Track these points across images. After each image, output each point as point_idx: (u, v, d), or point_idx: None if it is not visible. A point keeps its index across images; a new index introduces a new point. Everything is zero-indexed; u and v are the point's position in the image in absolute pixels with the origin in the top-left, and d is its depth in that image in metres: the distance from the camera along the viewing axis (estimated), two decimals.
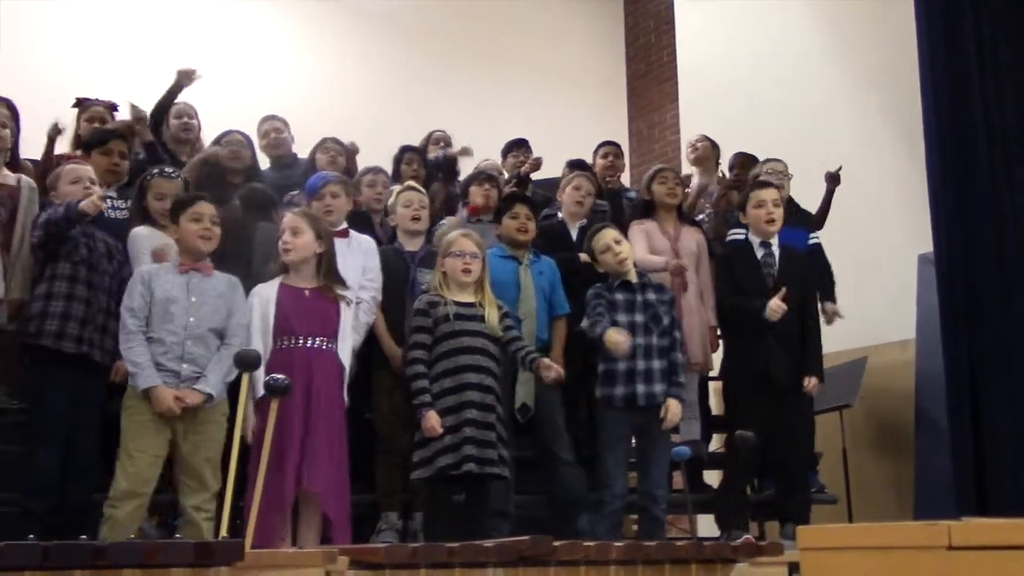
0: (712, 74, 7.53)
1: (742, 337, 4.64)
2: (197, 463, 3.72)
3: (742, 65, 7.35)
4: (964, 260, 4.78)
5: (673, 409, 4.24)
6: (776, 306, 4.39)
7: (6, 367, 4.27)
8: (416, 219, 4.53)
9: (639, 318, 4.29)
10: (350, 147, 5.62)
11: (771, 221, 4.66)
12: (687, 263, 4.86)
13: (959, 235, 4.79)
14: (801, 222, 5.31)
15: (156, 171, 4.34)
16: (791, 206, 5.33)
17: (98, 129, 4.84)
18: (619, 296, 4.33)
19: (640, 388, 4.21)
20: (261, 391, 3.47)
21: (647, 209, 5.10)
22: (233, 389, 3.75)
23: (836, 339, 5.32)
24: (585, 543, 2.45)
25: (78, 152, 4.87)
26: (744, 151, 5.84)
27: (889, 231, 6.21)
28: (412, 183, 4.75)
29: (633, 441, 4.41)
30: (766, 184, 4.86)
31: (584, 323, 4.32)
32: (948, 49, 4.90)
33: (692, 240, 5.02)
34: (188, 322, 3.76)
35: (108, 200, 4.46)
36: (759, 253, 4.67)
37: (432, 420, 3.85)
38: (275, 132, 5.59)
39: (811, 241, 5.28)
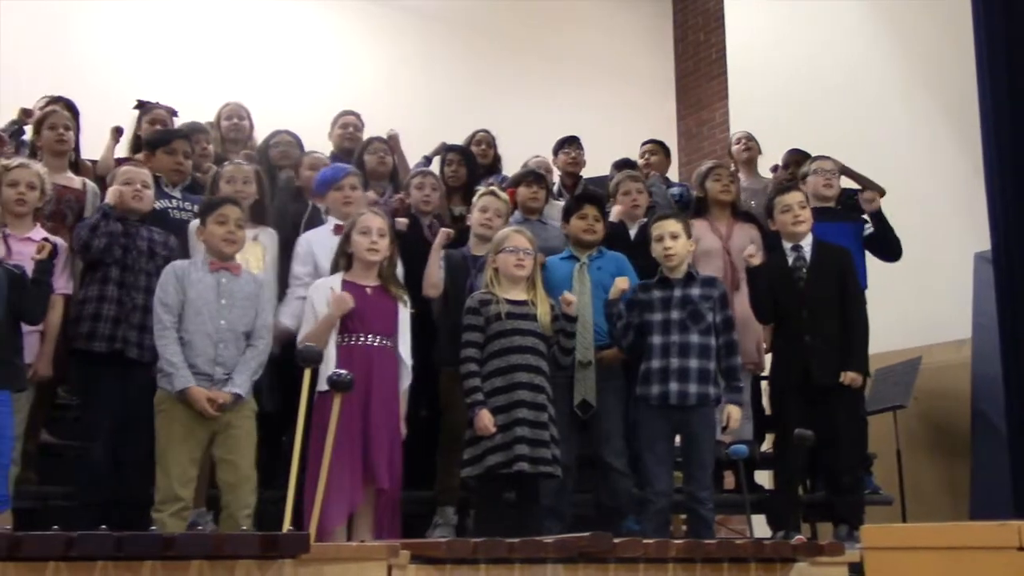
0: (763, 71, 7.48)
1: (783, 337, 4.60)
2: (233, 461, 3.75)
3: (794, 62, 7.29)
4: (1023, 258, 4.70)
5: (734, 416, 4.17)
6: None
7: (66, 366, 4.36)
8: (486, 226, 4.50)
9: (675, 315, 4.21)
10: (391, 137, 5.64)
11: (798, 223, 4.61)
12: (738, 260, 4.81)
13: (1017, 233, 4.71)
14: (852, 217, 5.25)
15: (229, 161, 4.46)
16: (843, 201, 5.28)
17: (162, 129, 4.91)
18: (656, 294, 4.28)
19: (673, 387, 4.15)
20: (323, 386, 3.51)
21: (699, 206, 5.06)
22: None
23: (890, 339, 5.26)
24: (644, 540, 2.45)
25: (138, 155, 4.96)
26: (797, 148, 5.79)
27: (945, 230, 6.12)
28: (495, 188, 4.73)
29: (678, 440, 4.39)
30: (789, 187, 4.82)
31: (615, 331, 4.32)
32: (1007, 46, 4.82)
33: (746, 237, 4.97)
34: (219, 325, 3.79)
35: (172, 200, 4.55)
36: (790, 258, 4.62)
37: (484, 419, 3.85)
38: (354, 128, 5.65)
39: (866, 232, 5.21)
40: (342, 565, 2.07)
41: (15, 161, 4.14)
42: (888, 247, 5.18)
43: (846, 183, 5.43)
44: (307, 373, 2.83)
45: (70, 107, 4.84)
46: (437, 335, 4.48)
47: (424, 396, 4.49)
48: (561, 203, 5.17)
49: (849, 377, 4.44)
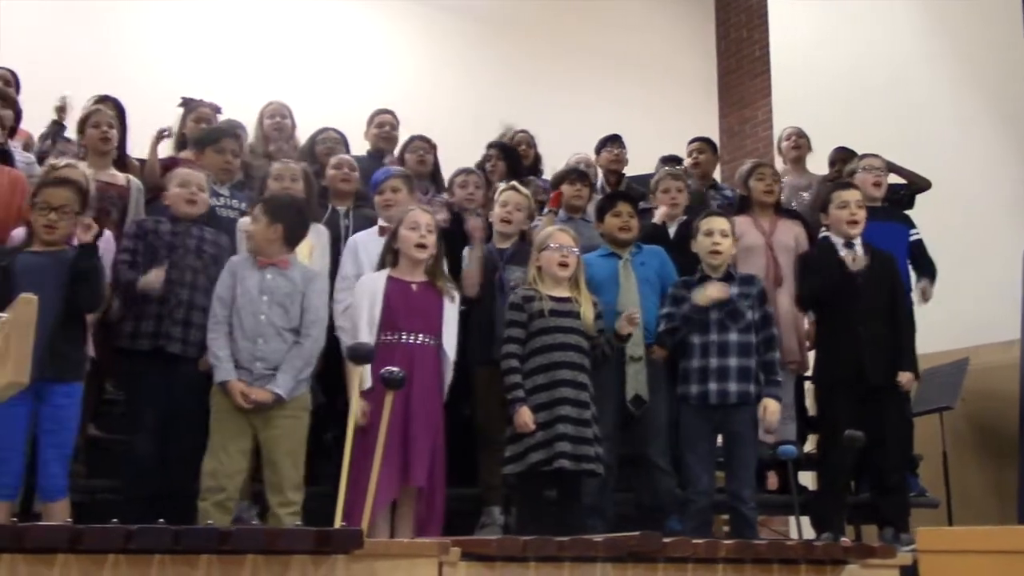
0: (807, 69, 7.41)
1: (833, 333, 4.55)
2: (278, 458, 3.77)
3: (838, 59, 7.22)
4: None
5: (771, 409, 4.15)
6: (709, 295, 4.19)
7: (111, 362, 4.42)
8: (506, 221, 4.53)
9: (714, 314, 4.20)
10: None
11: (854, 222, 4.57)
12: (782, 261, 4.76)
13: None
14: (900, 218, 5.19)
15: (279, 161, 4.49)
16: (889, 201, 5.22)
17: (212, 127, 4.95)
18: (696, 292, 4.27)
19: (712, 386, 4.14)
20: (369, 383, 3.52)
21: (742, 205, 5.02)
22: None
23: (937, 340, 5.19)
24: (694, 540, 2.43)
25: (182, 153, 5.01)
26: (843, 146, 5.73)
27: (993, 229, 6.04)
28: (516, 184, 4.73)
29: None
30: (848, 184, 4.78)
31: (659, 328, 4.29)
32: None
33: (789, 234, 4.94)
34: (260, 320, 3.81)
35: (219, 198, 4.59)
36: (842, 253, 4.57)
37: (525, 415, 3.85)
38: (390, 127, 5.67)
39: (912, 237, 5.15)
40: (393, 561, 2.07)
41: (62, 161, 4.20)
42: (928, 267, 5.12)
43: (893, 178, 5.37)
44: (356, 370, 2.83)
45: (116, 105, 4.89)
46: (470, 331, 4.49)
47: (464, 393, 4.49)
48: None
49: (906, 377, 4.41)
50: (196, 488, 3.82)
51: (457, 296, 4.11)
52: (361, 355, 2.93)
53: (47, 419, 3.54)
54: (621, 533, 2.39)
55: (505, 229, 4.54)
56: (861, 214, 4.60)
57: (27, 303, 2.21)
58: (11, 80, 5.25)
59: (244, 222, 4.26)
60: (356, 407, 3.06)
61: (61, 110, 5.09)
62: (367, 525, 2.55)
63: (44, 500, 3.54)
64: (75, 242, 3.70)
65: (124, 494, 3.92)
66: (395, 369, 2.83)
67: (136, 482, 3.87)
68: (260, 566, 1.94)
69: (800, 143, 5.84)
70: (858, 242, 4.59)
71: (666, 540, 2.36)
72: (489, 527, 4.27)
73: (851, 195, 4.63)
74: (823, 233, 4.81)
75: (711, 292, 4.16)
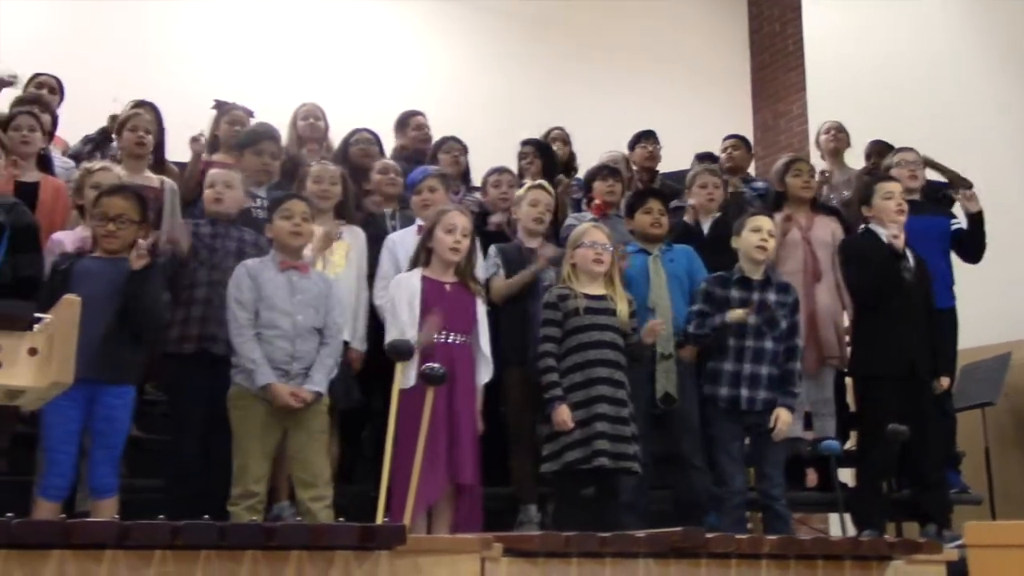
0: (842, 62, 7.35)
1: (878, 328, 4.50)
2: (308, 456, 3.78)
3: (874, 52, 7.15)
4: None
5: (783, 418, 4.14)
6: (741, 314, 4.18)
7: (153, 363, 4.46)
8: (539, 220, 4.52)
9: (751, 320, 4.18)
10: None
11: (900, 212, 4.53)
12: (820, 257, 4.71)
13: None
14: (939, 210, 5.13)
15: (318, 163, 4.53)
16: (928, 194, 5.16)
17: (251, 130, 4.98)
18: (734, 293, 4.25)
19: (744, 392, 4.15)
20: (412, 382, 3.54)
21: (778, 200, 4.98)
22: None
23: (979, 335, 5.13)
24: (737, 536, 2.41)
25: (215, 156, 5.04)
26: (879, 139, 5.67)
27: None
28: (543, 182, 4.73)
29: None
30: (889, 176, 4.76)
31: (689, 327, 4.26)
32: None
33: (827, 230, 4.90)
34: (296, 320, 3.82)
35: (256, 200, 4.62)
36: (886, 244, 4.53)
37: (563, 414, 3.84)
38: (425, 128, 5.70)
39: (954, 227, 5.09)
40: (436, 557, 2.07)
41: (97, 164, 4.25)
42: (975, 249, 5.06)
43: (931, 175, 5.31)
44: (398, 367, 2.84)
45: (152, 109, 4.94)
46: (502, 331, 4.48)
47: (497, 392, 4.49)
48: None
49: (944, 382, 4.41)
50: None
51: (486, 296, 4.13)
52: (401, 351, 2.93)
53: (99, 419, 3.58)
54: (663, 529, 2.38)
55: (538, 228, 4.53)
56: (905, 204, 4.58)
57: (70, 304, 2.23)
58: (56, 87, 5.33)
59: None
60: (395, 408, 3.06)
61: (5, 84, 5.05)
62: (409, 522, 2.55)
63: (93, 499, 3.59)
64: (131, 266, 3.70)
65: (165, 494, 3.95)
66: (436, 365, 2.83)
67: (178, 482, 3.90)
68: (304, 562, 1.94)
69: (839, 137, 5.80)
70: (902, 235, 4.55)
71: (709, 536, 2.34)
72: (526, 525, 4.27)
73: (895, 186, 4.62)
74: (866, 225, 4.78)
75: (741, 314, 4.13)
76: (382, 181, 4.88)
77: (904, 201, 4.55)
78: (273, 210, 3.99)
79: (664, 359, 4.27)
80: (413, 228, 4.48)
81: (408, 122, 5.73)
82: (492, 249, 4.55)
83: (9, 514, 1.79)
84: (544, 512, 4.34)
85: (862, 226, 4.75)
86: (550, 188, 4.68)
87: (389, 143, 5.58)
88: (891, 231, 4.49)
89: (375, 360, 4.17)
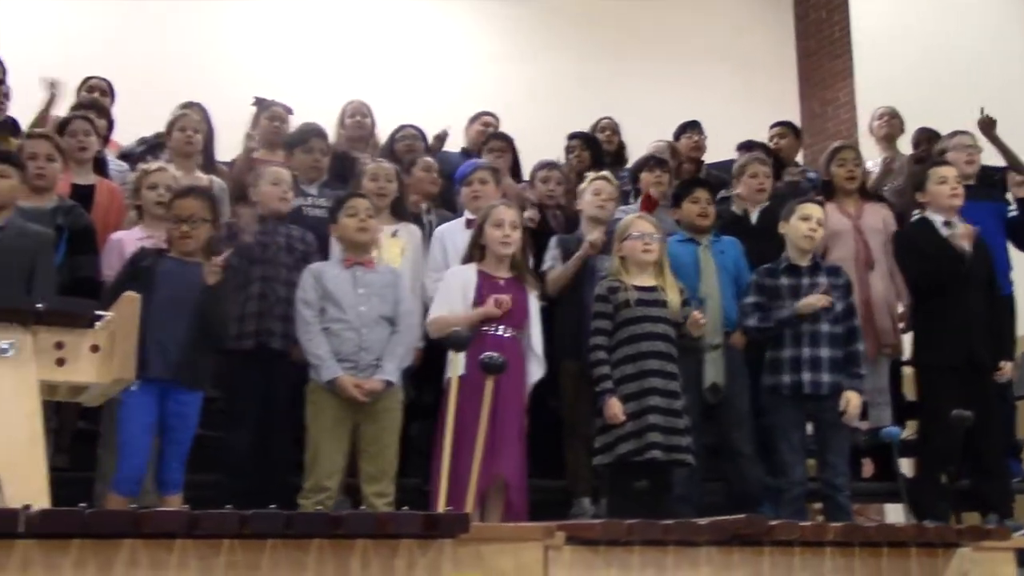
0: (890, 48, 7.24)
1: (939, 316, 4.44)
2: (377, 451, 3.83)
3: (923, 38, 7.04)
4: None
5: (853, 402, 4.09)
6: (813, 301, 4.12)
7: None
8: (601, 208, 4.51)
9: (825, 303, 4.13)
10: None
11: (955, 197, 4.46)
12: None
13: None
14: (994, 196, 5.03)
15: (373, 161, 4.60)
16: (982, 178, 5.07)
17: (301, 128, 5.01)
18: (784, 281, 4.22)
19: (806, 376, 4.10)
20: (461, 371, 3.55)
21: (825, 189, 4.92)
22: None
23: None
24: (801, 523, 2.39)
25: (256, 153, 5.08)
26: (927, 127, 5.58)
27: None
28: (605, 173, 4.72)
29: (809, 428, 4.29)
30: (944, 161, 4.69)
31: (750, 321, 4.22)
32: None
33: (877, 217, 4.84)
34: (360, 312, 3.88)
35: (307, 198, 4.66)
36: (943, 232, 4.47)
37: (614, 407, 3.83)
38: (492, 127, 5.73)
39: (1011, 214, 4.99)
40: (500, 545, 2.08)
41: (153, 165, 4.32)
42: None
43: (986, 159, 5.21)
44: (455, 357, 2.85)
45: (200, 110, 4.99)
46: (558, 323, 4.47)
47: (551, 385, 4.48)
48: None
49: (1008, 366, 4.33)
50: (293, 483, 3.90)
51: (539, 292, 4.12)
52: (458, 342, 2.94)
53: (171, 416, 3.66)
54: (725, 517, 2.36)
55: (600, 215, 4.51)
56: (960, 188, 4.51)
57: (131, 301, 2.27)
58: (107, 90, 5.41)
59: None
60: (454, 398, 3.06)
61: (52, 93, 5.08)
62: (471, 509, 2.56)
63: (161, 494, 3.65)
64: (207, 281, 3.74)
65: (224, 489, 3.99)
66: (495, 354, 2.84)
67: (236, 477, 3.95)
68: (369, 550, 1.96)
69: (893, 123, 5.72)
70: (956, 219, 4.48)
71: (772, 523, 2.32)
72: (580, 518, 4.26)
73: (949, 171, 4.56)
74: (920, 212, 4.70)
75: (814, 301, 4.08)
76: (424, 179, 4.91)
77: (959, 186, 4.47)
78: (337, 209, 4.06)
79: (712, 349, 4.24)
80: (461, 220, 4.49)
81: (475, 119, 5.79)
82: (553, 240, 4.56)
83: (82, 504, 1.82)
84: (597, 505, 4.33)
85: (916, 213, 4.68)
86: (613, 179, 4.66)
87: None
88: (942, 218, 4.43)
89: (428, 354, 4.21)
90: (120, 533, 1.80)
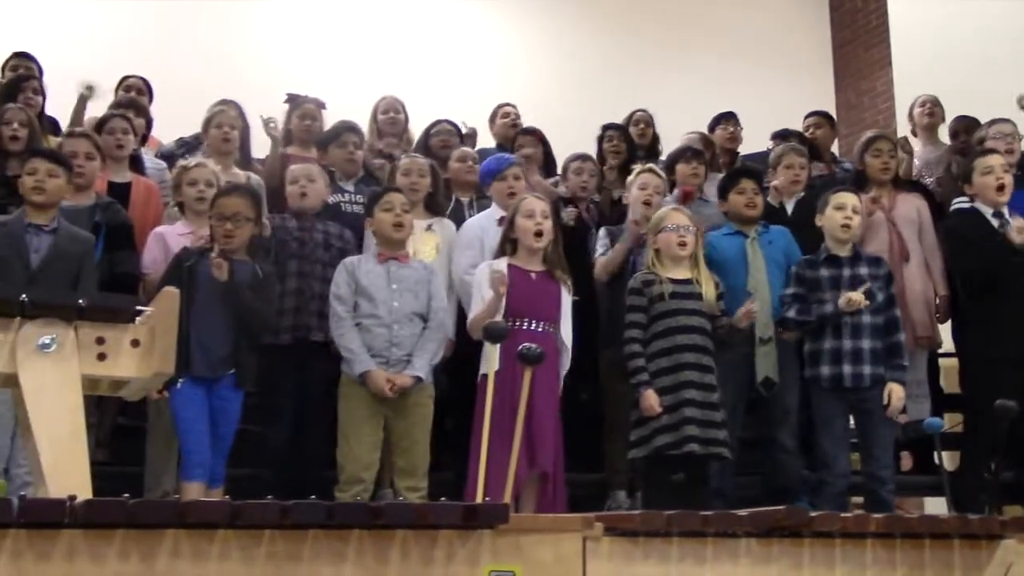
0: (930, 36, 7.11)
1: (990, 308, 4.37)
2: (410, 444, 3.87)
3: (962, 24, 6.90)
4: None
5: (896, 393, 4.05)
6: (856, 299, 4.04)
7: None
8: (648, 204, 4.49)
9: (866, 301, 4.07)
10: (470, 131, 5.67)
11: (1001, 188, 4.40)
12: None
13: None
14: None
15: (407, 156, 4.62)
16: (1022, 166, 4.99)
17: (335, 125, 5.03)
18: (823, 272, 4.18)
19: (847, 369, 4.06)
20: (497, 365, 3.55)
21: (859, 181, 4.86)
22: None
23: None
24: (842, 515, 2.37)
25: (289, 149, 5.11)
26: (965, 115, 5.50)
27: None
28: (652, 165, 4.70)
29: (852, 421, 4.24)
30: (992, 150, 4.61)
31: (789, 312, 4.19)
32: None
33: (912, 207, 4.77)
34: (392, 307, 3.90)
35: (344, 194, 4.69)
36: (994, 223, 4.40)
37: (650, 399, 3.82)
38: (513, 117, 5.73)
39: None
40: (539, 536, 2.07)
41: (193, 161, 4.38)
42: None
43: None
44: (492, 349, 2.85)
45: (237, 108, 5.02)
46: (599, 316, 4.46)
47: (585, 378, 4.47)
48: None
49: None
50: (327, 476, 3.92)
51: (572, 287, 4.11)
52: (497, 333, 2.94)
53: (214, 412, 3.73)
54: (765, 508, 2.34)
55: (646, 212, 4.49)
56: (1008, 179, 4.44)
57: (170, 297, 2.29)
58: (144, 89, 5.46)
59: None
60: (491, 391, 3.07)
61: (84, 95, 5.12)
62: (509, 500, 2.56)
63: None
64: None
65: (260, 482, 4.03)
66: (533, 345, 2.84)
67: (272, 470, 3.99)
68: (409, 540, 1.96)
69: (935, 112, 5.64)
70: (1006, 211, 4.42)
71: (813, 514, 2.30)
72: (616, 511, 4.25)
73: (995, 160, 4.48)
74: (957, 204, 4.64)
75: (857, 300, 4.02)
76: (460, 169, 4.91)
77: (1005, 175, 4.40)
78: (373, 203, 4.09)
79: (764, 343, 4.21)
80: (491, 216, 4.49)
81: (497, 111, 5.78)
82: (602, 231, 4.58)
83: (125, 495, 1.84)
84: (633, 498, 4.32)
85: (959, 202, 4.61)
86: (659, 171, 4.64)
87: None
88: (991, 209, 4.36)
89: (462, 347, 4.22)
90: (163, 523, 1.82)
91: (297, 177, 4.31)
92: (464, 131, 5.52)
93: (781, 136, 5.45)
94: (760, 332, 4.19)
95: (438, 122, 5.38)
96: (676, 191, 4.87)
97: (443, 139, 5.28)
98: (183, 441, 3.69)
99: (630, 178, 4.63)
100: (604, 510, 4.23)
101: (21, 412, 2.03)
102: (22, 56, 5.21)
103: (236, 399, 3.79)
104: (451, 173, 4.93)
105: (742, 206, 4.44)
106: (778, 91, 7.82)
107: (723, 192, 4.55)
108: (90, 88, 5.12)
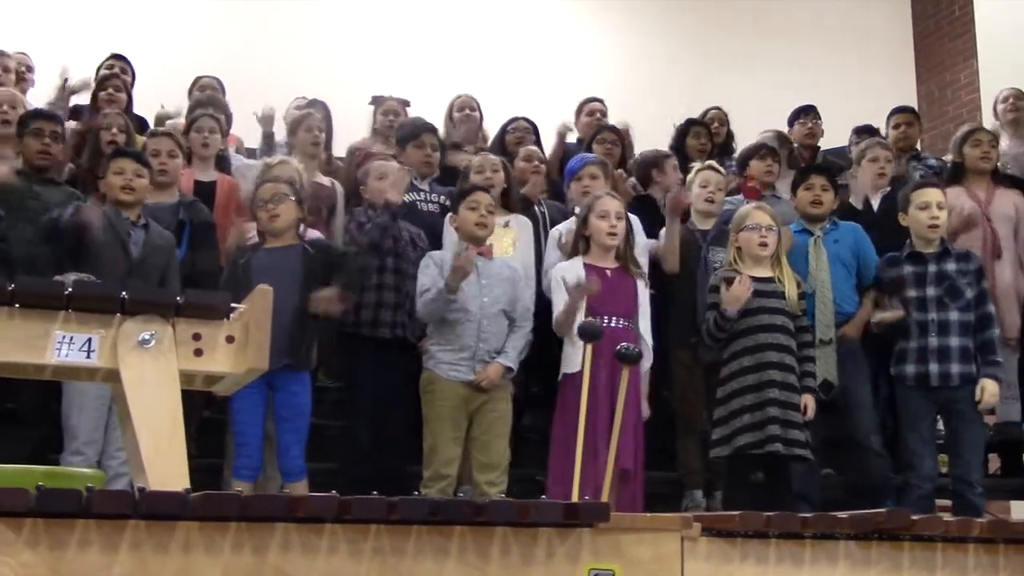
0: (1017, 26, 6.91)
1: None
2: (489, 440, 3.88)
3: None
4: None
5: (989, 389, 3.96)
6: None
7: (324, 352, 4.60)
8: (710, 201, 4.46)
9: (931, 292, 4.04)
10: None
11: None
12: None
13: None
14: None
15: (480, 154, 4.68)
16: None
17: (412, 123, 5.08)
18: (907, 268, 4.11)
19: (933, 367, 3.98)
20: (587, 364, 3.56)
21: (956, 173, 4.75)
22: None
23: None
24: (946, 518, 2.32)
25: (374, 148, 5.16)
26: None
27: None
28: (712, 163, 4.69)
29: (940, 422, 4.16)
30: None
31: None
32: None
33: (1009, 203, 4.68)
34: (483, 303, 3.92)
35: (420, 193, 4.72)
36: None
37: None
38: (599, 114, 5.73)
39: None
40: (637, 535, 2.07)
41: (276, 159, 4.44)
42: None
43: None
44: (588, 349, 2.86)
45: (324, 109, 5.10)
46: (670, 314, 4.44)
47: (661, 376, 4.45)
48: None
49: None
50: (408, 470, 3.96)
51: (648, 281, 4.11)
52: (592, 332, 2.95)
53: (283, 406, 3.76)
54: (865, 510, 2.31)
55: (709, 208, 4.47)
56: None
57: (263, 294, 2.32)
58: (217, 87, 5.57)
59: None
60: (586, 389, 3.07)
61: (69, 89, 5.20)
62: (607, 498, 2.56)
63: (286, 482, 3.75)
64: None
65: (341, 477, 4.08)
66: (630, 345, 2.84)
67: (354, 465, 4.03)
68: (509, 537, 1.97)
69: (1020, 106, 5.50)
70: None
71: (915, 517, 2.26)
72: (691, 511, 4.22)
73: None
74: None
75: (890, 318, 4.02)
76: (526, 168, 4.92)
77: None
78: (459, 200, 4.10)
79: (824, 345, 4.15)
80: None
81: (582, 108, 5.77)
82: (663, 231, 4.52)
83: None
84: (710, 498, 4.29)
85: None
86: (720, 168, 4.61)
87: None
88: None
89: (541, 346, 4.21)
90: (274, 517, 1.85)
91: (384, 173, 4.32)
92: (560, 128, 5.50)
93: (866, 132, 5.36)
94: (820, 334, 4.13)
95: (514, 119, 5.39)
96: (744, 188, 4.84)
97: (519, 136, 5.29)
98: (236, 441, 3.72)
99: (690, 176, 4.61)
100: (681, 509, 4.22)
101: (121, 406, 2.07)
102: (118, 57, 5.37)
103: (302, 390, 3.79)
104: (517, 172, 4.94)
105: (807, 203, 4.38)
106: (859, 84, 7.69)
107: (794, 188, 4.50)
108: (85, 84, 5.19)
